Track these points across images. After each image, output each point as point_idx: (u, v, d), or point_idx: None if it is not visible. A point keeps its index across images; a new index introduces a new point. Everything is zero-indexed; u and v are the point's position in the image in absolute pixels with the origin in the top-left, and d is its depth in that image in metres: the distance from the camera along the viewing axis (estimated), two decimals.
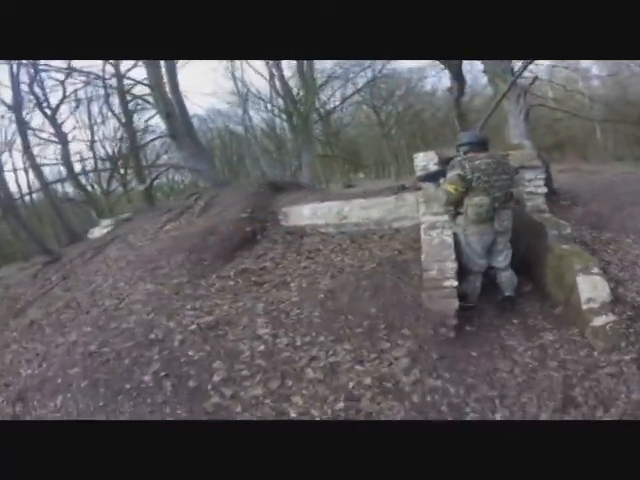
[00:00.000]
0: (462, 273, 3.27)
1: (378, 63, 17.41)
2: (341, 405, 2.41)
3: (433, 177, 3.92)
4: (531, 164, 4.48)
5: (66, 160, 11.33)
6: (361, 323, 3.16)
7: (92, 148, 14.28)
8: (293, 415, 2.40)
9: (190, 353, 3.05)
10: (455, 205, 3.36)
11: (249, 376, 2.76)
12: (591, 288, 2.89)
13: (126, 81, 10.56)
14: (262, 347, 3.07)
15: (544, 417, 2.17)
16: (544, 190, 4.41)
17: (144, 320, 3.54)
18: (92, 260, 5.77)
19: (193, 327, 3.40)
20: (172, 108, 8.83)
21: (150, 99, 9.87)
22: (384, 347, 2.89)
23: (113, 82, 10.60)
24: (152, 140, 12.19)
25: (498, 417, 2.23)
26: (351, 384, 2.57)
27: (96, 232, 7.83)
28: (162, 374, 2.83)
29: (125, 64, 10.44)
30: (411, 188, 5.44)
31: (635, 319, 2.66)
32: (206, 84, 35.84)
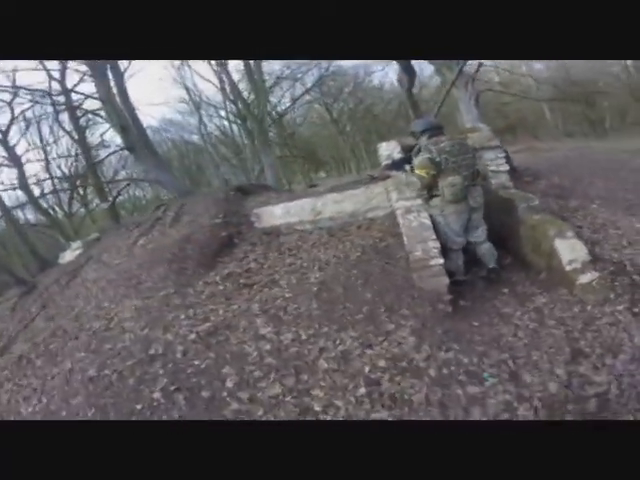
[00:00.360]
0: (443, 252, 3.35)
1: (324, 61, 17.47)
2: (363, 391, 2.37)
3: (398, 165, 4.02)
4: (490, 144, 4.65)
5: (23, 184, 10.53)
6: (360, 309, 3.14)
7: (48, 169, 13.48)
8: (317, 409, 2.33)
9: (196, 362, 2.89)
10: (429, 188, 3.45)
11: (262, 377, 2.66)
12: (570, 250, 3.03)
13: (75, 96, 9.96)
14: (268, 346, 2.97)
15: (558, 371, 2.26)
16: (506, 168, 4.59)
17: (140, 336, 3.32)
18: (69, 285, 5.36)
19: (192, 336, 3.23)
20: (126, 120, 8.41)
21: (102, 113, 9.39)
22: (389, 329, 2.88)
23: (61, 99, 9.96)
24: (109, 155, 11.57)
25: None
26: (367, 368, 2.54)
27: (67, 256, 7.31)
28: (172, 388, 2.66)
29: (71, 79, 9.87)
30: (380, 178, 5.51)
31: (618, 273, 2.81)
32: (156, 94, 34.55)
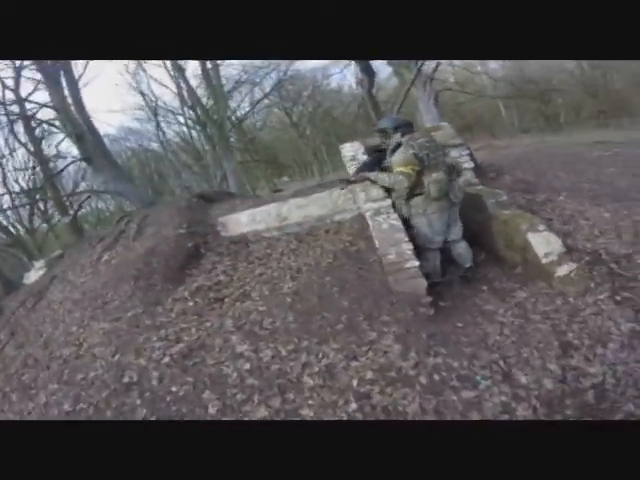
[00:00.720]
0: (419, 253, 3.21)
1: (282, 65, 17.21)
2: (354, 406, 2.20)
3: (370, 165, 3.82)
4: (454, 142, 4.60)
5: None
6: (339, 319, 2.94)
7: (5, 184, 12.39)
8: None
9: (173, 389, 2.62)
10: (412, 187, 3.26)
11: (246, 399, 2.42)
12: (545, 243, 2.99)
13: (29, 105, 9.25)
14: (247, 365, 2.72)
15: (551, 366, 2.18)
16: (471, 165, 4.55)
17: (111, 363, 3.01)
18: (35, 308, 4.88)
19: (166, 360, 2.94)
20: (81, 129, 7.85)
21: (57, 122, 8.75)
22: (371, 337, 2.71)
23: (15, 109, 9.21)
24: (66, 166, 10.69)
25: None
26: (355, 382, 2.36)
27: (32, 276, 6.67)
28: (152, 419, 2.40)
29: (25, 87, 9.20)
30: (357, 180, 5.32)
31: (594, 263, 2.77)
32: (112, 101, 33.07)
